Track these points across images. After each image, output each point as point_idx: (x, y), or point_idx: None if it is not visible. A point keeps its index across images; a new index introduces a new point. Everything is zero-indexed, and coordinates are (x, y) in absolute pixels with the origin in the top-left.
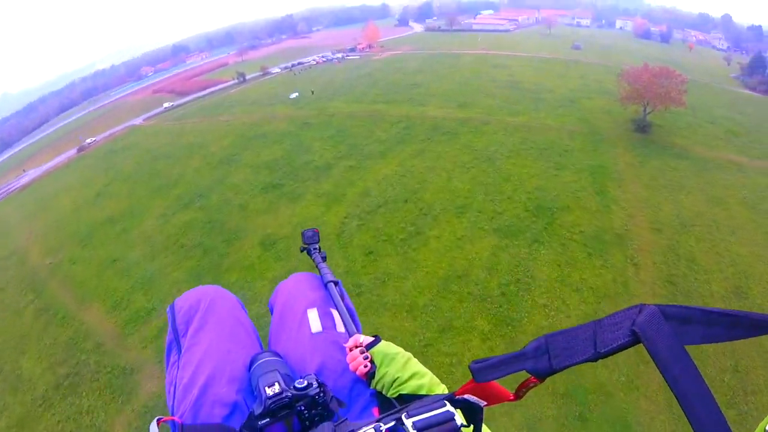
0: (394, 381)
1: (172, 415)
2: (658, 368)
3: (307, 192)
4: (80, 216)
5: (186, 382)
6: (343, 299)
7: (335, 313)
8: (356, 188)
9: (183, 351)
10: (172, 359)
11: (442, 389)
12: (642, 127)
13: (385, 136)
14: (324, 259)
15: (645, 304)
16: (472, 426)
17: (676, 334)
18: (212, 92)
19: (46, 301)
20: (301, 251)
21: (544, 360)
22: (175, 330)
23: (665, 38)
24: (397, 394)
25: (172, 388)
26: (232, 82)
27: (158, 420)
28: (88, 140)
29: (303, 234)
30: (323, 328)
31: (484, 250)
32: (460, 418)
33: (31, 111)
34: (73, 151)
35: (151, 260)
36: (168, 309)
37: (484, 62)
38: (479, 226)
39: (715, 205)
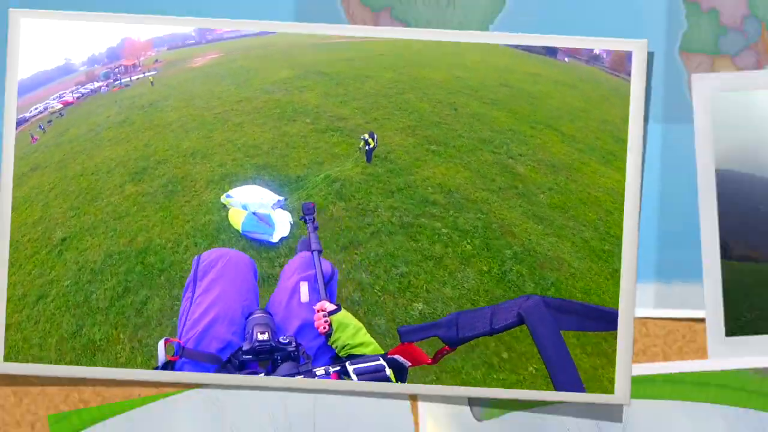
0: (345, 346)
1: (179, 338)
2: (534, 343)
3: None
4: None
5: (196, 317)
6: (322, 268)
7: (321, 286)
8: None
9: (199, 292)
10: (187, 294)
11: None
12: None
13: None
14: (316, 229)
15: (532, 295)
16: (399, 382)
17: (554, 320)
18: None
19: None
20: (299, 219)
21: (453, 330)
22: (195, 273)
23: None
24: (346, 355)
25: (183, 318)
26: None
27: (165, 340)
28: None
29: (303, 206)
30: (310, 299)
31: None
32: (389, 371)
33: None
34: None
35: None
36: (195, 258)
37: None
38: None
39: None
